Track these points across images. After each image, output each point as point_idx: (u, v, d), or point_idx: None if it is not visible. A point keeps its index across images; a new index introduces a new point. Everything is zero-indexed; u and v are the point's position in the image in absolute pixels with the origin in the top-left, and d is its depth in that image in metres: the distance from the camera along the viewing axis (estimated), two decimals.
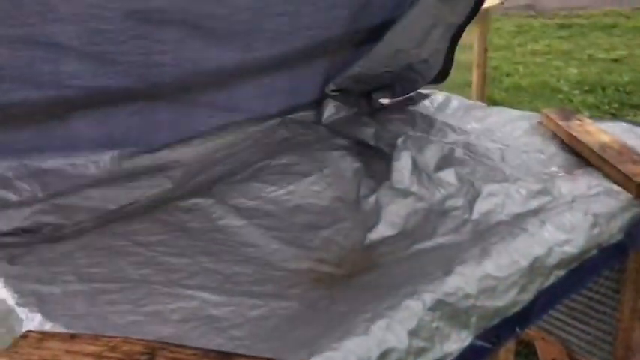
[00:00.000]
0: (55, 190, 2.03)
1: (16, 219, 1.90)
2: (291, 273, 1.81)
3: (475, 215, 1.94)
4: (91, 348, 1.24)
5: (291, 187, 2.16)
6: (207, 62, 2.23)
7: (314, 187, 2.18)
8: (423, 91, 2.74)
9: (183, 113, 2.34)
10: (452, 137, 2.33)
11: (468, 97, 4.68)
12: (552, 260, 1.66)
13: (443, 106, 2.59)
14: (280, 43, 2.36)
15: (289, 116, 2.65)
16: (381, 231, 1.99)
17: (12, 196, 1.97)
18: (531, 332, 2.53)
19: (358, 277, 1.79)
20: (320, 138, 2.49)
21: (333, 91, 2.71)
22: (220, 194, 2.10)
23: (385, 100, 2.74)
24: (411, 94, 2.72)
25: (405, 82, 2.72)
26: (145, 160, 2.26)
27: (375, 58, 2.61)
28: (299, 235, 1.98)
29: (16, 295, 1.49)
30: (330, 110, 2.68)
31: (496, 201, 1.96)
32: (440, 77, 2.68)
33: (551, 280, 1.66)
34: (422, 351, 1.38)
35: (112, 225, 1.90)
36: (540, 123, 2.39)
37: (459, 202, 2.00)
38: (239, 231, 1.94)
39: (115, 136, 2.21)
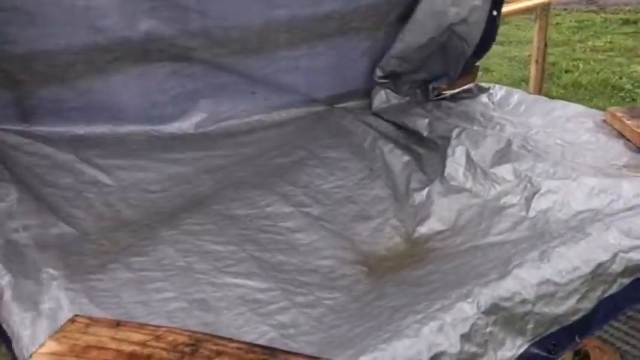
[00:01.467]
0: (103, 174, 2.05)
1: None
2: (338, 263, 1.77)
3: (532, 213, 1.84)
4: (137, 336, 1.22)
5: (340, 180, 2.12)
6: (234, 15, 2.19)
7: (363, 180, 2.14)
8: (483, 84, 2.63)
9: (221, 83, 2.31)
10: (510, 131, 2.22)
11: None
12: (617, 267, 1.55)
13: (502, 100, 2.48)
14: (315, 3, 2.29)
15: (338, 105, 2.59)
16: (432, 225, 1.94)
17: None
18: (587, 341, 2.41)
19: (406, 271, 1.74)
20: (369, 128, 2.42)
21: (382, 78, 2.60)
22: (268, 182, 2.07)
23: (442, 92, 2.65)
24: (470, 85, 2.61)
25: (452, 53, 2.54)
26: (189, 147, 2.25)
27: (415, 26, 2.47)
28: (347, 225, 1.94)
29: (66, 283, 1.50)
30: (380, 98, 2.59)
31: (555, 198, 1.85)
32: (485, 43, 2.50)
33: (615, 288, 1.55)
34: (474, 356, 1.31)
35: (159, 213, 1.89)
36: (605, 121, 2.27)
37: (515, 198, 1.91)
38: (287, 218, 1.91)
39: (155, 100, 2.21)
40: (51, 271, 1.52)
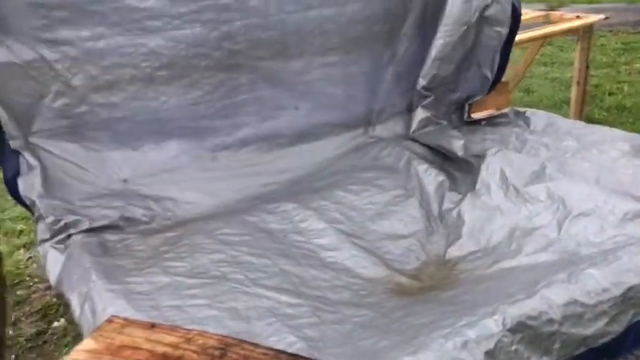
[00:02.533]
0: (146, 182, 2.14)
1: (109, 209, 2.02)
2: (368, 281, 1.80)
3: (564, 235, 1.85)
4: (169, 338, 1.28)
5: (373, 197, 2.15)
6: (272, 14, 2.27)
7: (397, 198, 2.17)
8: (518, 109, 2.63)
9: (265, 97, 2.38)
10: (545, 154, 2.22)
11: (566, 116, 4.49)
12: None
13: (538, 124, 2.48)
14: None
15: (375, 122, 2.63)
16: (463, 246, 1.95)
17: (103, 186, 2.09)
18: None
19: (436, 291, 1.75)
20: (405, 149, 2.45)
21: (425, 88, 2.59)
22: (303, 198, 2.12)
23: (477, 115, 2.67)
24: (505, 110, 2.62)
25: (486, 46, 2.57)
26: (232, 160, 2.32)
27: (449, 21, 2.49)
28: (378, 243, 1.97)
29: (107, 284, 1.57)
30: (419, 121, 2.62)
31: (587, 222, 1.85)
32: (513, 27, 2.56)
33: None
34: None
35: (198, 222, 1.96)
36: None
37: (547, 219, 1.92)
38: (320, 235, 1.96)
39: (202, 114, 2.27)
40: (93, 273, 1.61)
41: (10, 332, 2.81)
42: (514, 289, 1.55)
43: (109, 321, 1.34)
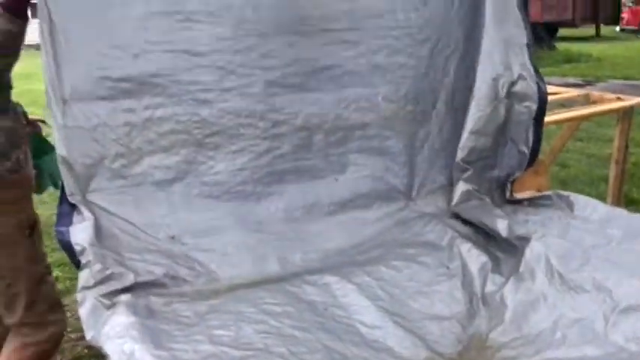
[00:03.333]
0: (192, 241, 2.18)
1: (155, 265, 2.06)
2: None
3: (611, 329, 1.81)
4: None
5: (415, 275, 2.16)
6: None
7: (439, 277, 2.17)
8: (561, 192, 2.63)
9: (307, 167, 2.47)
10: (589, 241, 2.21)
11: (604, 193, 4.45)
12: None
13: (582, 210, 2.47)
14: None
15: (417, 200, 2.66)
16: (506, 331, 1.93)
17: (151, 242, 2.13)
18: None
19: None
20: (448, 226, 2.47)
21: (465, 161, 2.61)
22: (345, 272, 2.14)
23: (519, 195, 2.68)
24: (548, 193, 2.63)
25: (517, 121, 2.65)
26: (274, 227, 2.35)
27: (479, 95, 2.59)
28: (419, 323, 1.97)
29: (152, 349, 1.60)
30: (461, 194, 2.61)
31: (636, 317, 1.82)
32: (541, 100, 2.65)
33: None
34: None
35: (242, 290, 1.99)
36: None
37: (592, 311, 1.89)
38: (361, 312, 1.96)
39: (247, 180, 2.36)
40: (138, 335, 1.64)
41: None
42: None
43: None
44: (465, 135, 2.61)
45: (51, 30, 2.01)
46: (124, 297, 1.90)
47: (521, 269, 2.10)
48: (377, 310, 1.97)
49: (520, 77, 2.62)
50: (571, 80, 10.27)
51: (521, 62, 2.62)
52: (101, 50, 2.09)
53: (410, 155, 2.64)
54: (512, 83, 2.61)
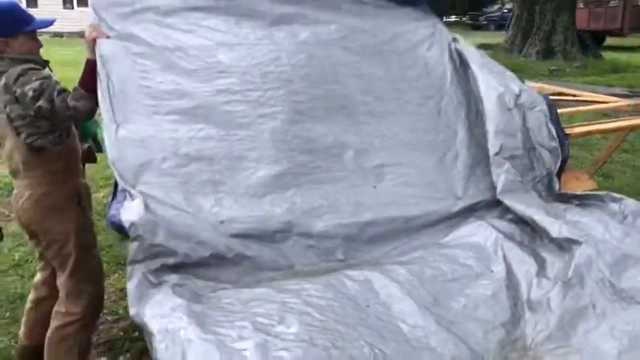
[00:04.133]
0: (239, 227, 2.24)
1: (201, 245, 2.11)
2: None
3: None
4: None
5: (459, 277, 2.14)
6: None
7: (482, 280, 2.14)
8: (614, 194, 2.55)
9: (341, 177, 2.54)
10: None
11: None
12: None
13: (635, 215, 2.40)
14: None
15: (460, 201, 2.62)
16: (550, 338, 1.90)
17: (200, 226, 2.18)
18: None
19: None
20: (493, 227, 2.42)
21: (498, 155, 2.66)
22: (388, 269, 2.13)
23: (570, 191, 2.64)
24: (601, 193, 2.57)
25: (534, 124, 2.80)
26: (313, 224, 2.37)
27: (489, 102, 2.77)
28: (462, 325, 1.95)
29: (197, 331, 1.61)
30: (504, 184, 2.59)
31: None
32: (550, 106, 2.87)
33: None
34: None
35: (285, 280, 2.00)
36: None
37: None
38: (402, 309, 1.95)
39: (288, 184, 2.45)
40: (186, 318, 1.67)
41: None
42: None
43: None
44: (491, 133, 2.68)
45: (108, 85, 2.40)
46: (171, 277, 1.94)
47: (569, 274, 2.05)
48: (419, 310, 1.96)
49: (522, 90, 2.87)
50: (617, 91, 10.02)
51: (517, 84, 2.91)
52: (150, 94, 2.46)
53: (443, 169, 2.70)
54: (517, 96, 2.81)
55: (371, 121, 2.72)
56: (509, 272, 2.17)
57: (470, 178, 2.69)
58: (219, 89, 2.57)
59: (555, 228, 2.27)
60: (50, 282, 2.70)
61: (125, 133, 2.34)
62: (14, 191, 2.55)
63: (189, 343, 1.60)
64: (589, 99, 4.66)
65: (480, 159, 2.74)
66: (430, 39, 3.10)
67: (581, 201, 2.52)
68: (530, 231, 2.37)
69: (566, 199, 2.56)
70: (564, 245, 2.19)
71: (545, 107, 2.83)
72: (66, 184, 2.52)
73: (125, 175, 2.22)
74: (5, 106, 2.37)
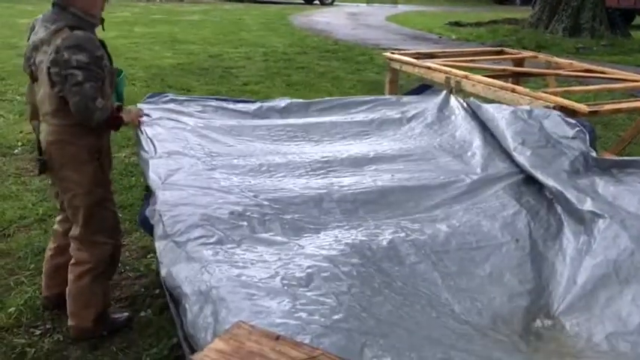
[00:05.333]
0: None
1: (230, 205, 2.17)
2: (472, 328, 1.79)
3: None
4: (294, 353, 1.31)
5: (484, 246, 2.14)
6: None
7: (507, 249, 2.14)
8: None
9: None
10: None
11: None
12: None
13: None
14: None
15: (483, 173, 2.63)
16: (573, 307, 1.91)
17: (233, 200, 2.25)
18: None
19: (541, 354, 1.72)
20: (515, 198, 2.42)
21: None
22: (411, 231, 2.16)
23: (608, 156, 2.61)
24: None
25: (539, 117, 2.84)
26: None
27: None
28: (487, 292, 1.96)
29: (228, 290, 1.64)
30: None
31: None
32: None
33: None
34: None
35: (310, 240, 2.03)
36: None
37: None
38: (426, 275, 1.97)
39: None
40: (218, 278, 1.70)
41: None
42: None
43: (238, 326, 1.39)
44: (509, 134, 2.72)
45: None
46: (200, 239, 1.95)
47: (594, 246, 2.04)
48: (443, 276, 1.97)
49: (532, 108, 2.95)
50: None
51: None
52: None
53: (460, 161, 2.74)
54: (529, 111, 2.88)
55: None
56: (534, 242, 2.17)
57: (488, 164, 2.69)
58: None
59: (582, 200, 2.25)
60: (68, 233, 2.78)
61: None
62: (41, 134, 2.62)
63: (221, 302, 1.62)
64: (618, 77, 4.58)
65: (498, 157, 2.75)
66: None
67: (621, 169, 2.47)
68: (555, 203, 2.35)
69: (605, 166, 2.51)
70: (590, 218, 2.17)
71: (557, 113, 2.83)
72: (88, 138, 2.58)
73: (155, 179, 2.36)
74: (50, 55, 2.43)
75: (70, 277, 2.69)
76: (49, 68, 2.43)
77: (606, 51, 12.30)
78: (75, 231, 2.67)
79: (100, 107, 2.43)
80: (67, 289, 2.70)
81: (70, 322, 2.73)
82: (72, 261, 2.70)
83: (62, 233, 2.85)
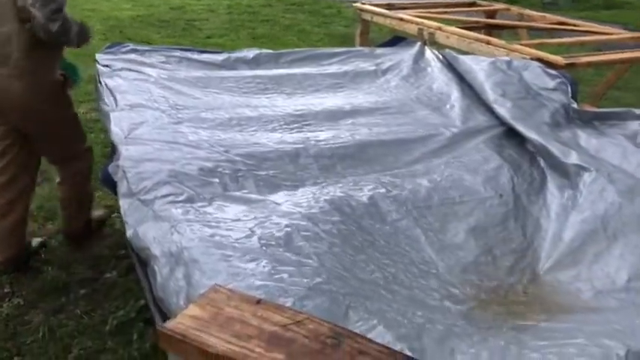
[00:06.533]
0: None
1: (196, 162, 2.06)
2: (459, 289, 1.73)
3: None
4: (277, 317, 1.22)
5: (467, 202, 2.06)
6: None
7: (491, 206, 2.07)
8: (637, 110, 2.43)
9: None
10: None
11: None
12: None
13: None
14: None
15: (461, 127, 2.55)
16: (560, 264, 1.86)
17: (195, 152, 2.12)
18: None
19: (530, 314, 1.67)
20: (496, 152, 2.34)
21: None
22: (396, 196, 2.05)
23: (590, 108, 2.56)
24: (622, 110, 2.47)
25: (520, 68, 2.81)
26: None
27: None
28: (470, 252, 1.90)
29: (205, 255, 1.53)
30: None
31: None
32: None
33: None
34: None
35: (288, 198, 1.91)
36: None
37: None
38: (411, 236, 1.90)
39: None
40: (190, 239, 1.58)
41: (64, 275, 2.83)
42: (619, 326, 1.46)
43: (215, 290, 1.28)
44: (488, 85, 2.64)
45: None
46: (165, 191, 1.83)
47: (580, 201, 1.98)
48: (427, 237, 1.89)
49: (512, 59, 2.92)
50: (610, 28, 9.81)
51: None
52: None
53: (439, 114, 2.67)
54: (508, 62, 2.83)
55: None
56: (517, 198, 2.11)
57: (468, 116, 2.60)
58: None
59: (566, 153, 2.18)
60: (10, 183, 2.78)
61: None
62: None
63: (193, 264, 1.51)
64: (590, 29, 4.53)
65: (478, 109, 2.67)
66: None
67: (602, 121, 2.41)
68: (538, 156, 2.28)
69: (587, 118, 2.46)
70: (575, 171, 2.10)
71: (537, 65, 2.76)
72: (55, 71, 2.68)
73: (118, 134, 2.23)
74: None
75: (65, 187, 2.95)
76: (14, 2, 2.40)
77: (572, 7, 12.31)
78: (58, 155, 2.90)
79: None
80: (62, 198, 3.00)
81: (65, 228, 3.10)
82: (69, 173, 2.93)
83: (4, 184, 2.75)
